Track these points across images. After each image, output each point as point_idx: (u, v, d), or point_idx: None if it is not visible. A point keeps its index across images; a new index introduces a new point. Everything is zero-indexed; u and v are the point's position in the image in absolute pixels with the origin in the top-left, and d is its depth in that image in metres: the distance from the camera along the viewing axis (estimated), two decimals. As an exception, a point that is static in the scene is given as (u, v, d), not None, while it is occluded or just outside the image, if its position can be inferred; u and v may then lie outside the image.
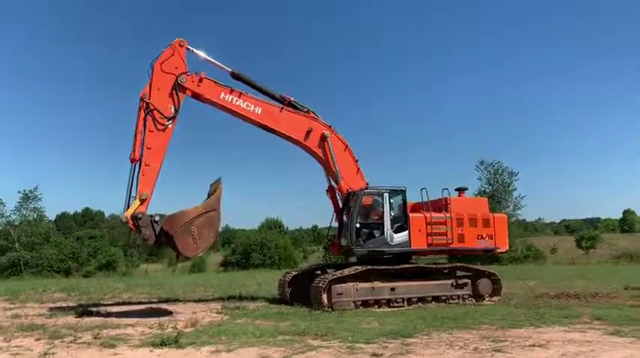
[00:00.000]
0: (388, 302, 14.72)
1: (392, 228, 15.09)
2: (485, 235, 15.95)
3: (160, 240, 12.99)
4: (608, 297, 15.90)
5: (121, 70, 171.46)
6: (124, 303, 17.55)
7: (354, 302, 14.34)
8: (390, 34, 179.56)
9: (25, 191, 50.27)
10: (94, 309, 14.91)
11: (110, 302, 17.74)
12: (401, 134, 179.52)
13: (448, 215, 15.57)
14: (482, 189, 43.29)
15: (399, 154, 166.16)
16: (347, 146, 16.17)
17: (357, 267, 14.62)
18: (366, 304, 14.50)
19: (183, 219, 12.68)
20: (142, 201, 13.09)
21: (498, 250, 16.50)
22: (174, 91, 14.10)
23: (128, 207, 13.14)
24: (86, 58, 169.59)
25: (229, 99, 14.99)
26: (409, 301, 14.93)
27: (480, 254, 18.44)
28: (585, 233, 64.22)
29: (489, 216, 16.34)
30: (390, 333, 10.08)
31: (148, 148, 13.50)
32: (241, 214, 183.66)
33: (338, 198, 16.33)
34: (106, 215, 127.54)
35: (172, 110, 14.02)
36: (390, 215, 15.24)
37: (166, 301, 17.86)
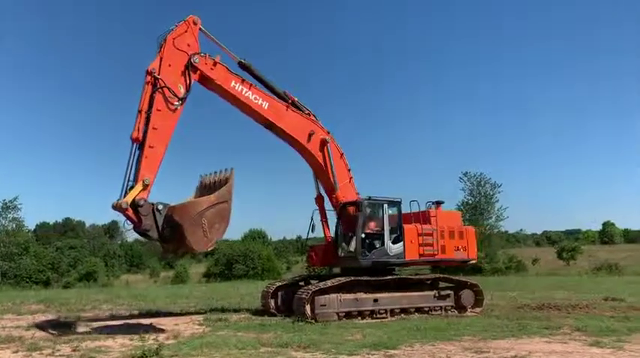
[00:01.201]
0: (371, 314, 14.71)
1: (390, 239, 15.17)
2: (460, 246, 16.21)
3: (163, 232, 11.80)
4: (588, 308, 16.05)
5: (108, 79, 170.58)
6: (104, 315, 17.28)
7: (337, 313, 14.29)
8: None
9: (4, 201, 49.49)
10: (73, 321, 14.67)
11: (90, 314, 17.44)
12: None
13: (434, 227, 15.68)
14: (466, 200, 43.61)
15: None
16: (342, 154, 16.14)
17: (340, 278, 14.61)
18: (349, 315, 14.46)
19: (195, 209, 11.67)
20: (145, 187, 11.79)
21: (471, 261, 16.85)
22: (186, 71, 13.19)
23: (126, 194, 11.76)
24: (77, 65, 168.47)
25: (239, 89, 14.32)
26: (392, 312, 14.93)
27: (456, 265, 18.73)
28: (566, 244, 64.99)
29: (463, 229, 16.69)
30: (373, 345, 10.07)
31: (154, 129, 12.31)
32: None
33: (327, 207, 16.31)
34: (87, 225, 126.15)
35: (182, 91, 13.00)
36: (389, 226, 15.31)
37: (147, 313, 17.64)
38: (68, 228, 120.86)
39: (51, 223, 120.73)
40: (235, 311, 17.21)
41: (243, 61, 14.91)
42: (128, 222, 11.88)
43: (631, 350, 9.29)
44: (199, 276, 51.34)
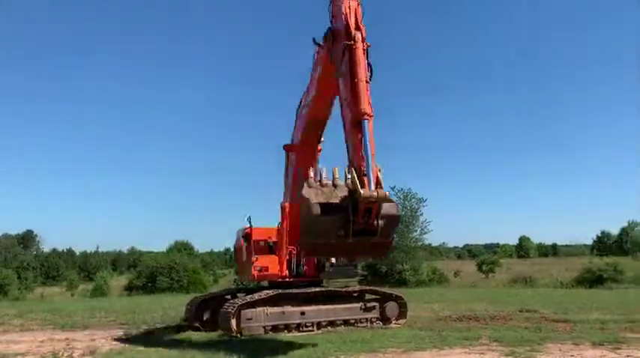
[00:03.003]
0: (298, 327, 14.65)
1: None
2: None
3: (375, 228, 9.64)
4: (505, 319, 16.77)
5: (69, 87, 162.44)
6: (13, 330, 16.19)
7: (263, 327, 14.13)
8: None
9: None
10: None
11: (-2, 330, 16.29)
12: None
13: None
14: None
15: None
16: None
17: (267, 291, 14.49)
18: (275, 329, 14.34)
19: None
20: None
21: None
22: None
23: (361, 183, 9.36)
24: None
25: None
26: (319, 325, 14.94)
27: None
28: (485, 258, 67.68)
29: None
30: (299, 359, 10.04)
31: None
32: (148, 236, 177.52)
33: None
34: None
35: None
36: None
37: (63, 327, 16.73)
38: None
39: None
40: (158, 325, 16.64)
41: None
42: None
43: (543, 359, 9.79)
44: (121, 289, 49.27)
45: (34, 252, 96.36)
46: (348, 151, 10.13)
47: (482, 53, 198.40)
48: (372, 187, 9.21)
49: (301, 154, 14.89)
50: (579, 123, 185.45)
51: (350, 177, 9.54)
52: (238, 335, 13.52)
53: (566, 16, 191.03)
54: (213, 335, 13.71)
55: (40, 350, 11.36)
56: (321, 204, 9.63)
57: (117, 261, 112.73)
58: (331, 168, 10.25)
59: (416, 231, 44.34)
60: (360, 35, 10.51)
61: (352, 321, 15.52)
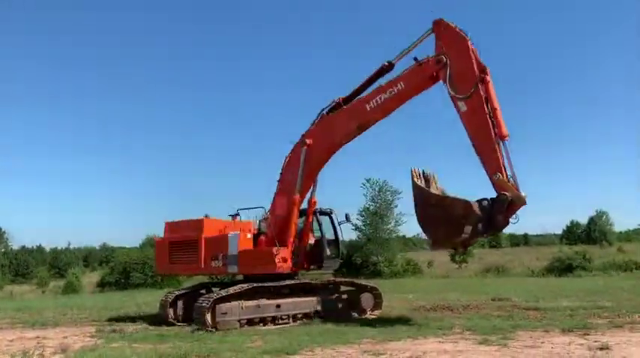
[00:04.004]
0: (273, 320, 14.65)
1: None
2: None
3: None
4: (478, 308, 17.04)
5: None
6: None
7: (239, 321, 14.08)
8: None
9: None
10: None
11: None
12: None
13: None
14: (367, 205, 44.76)
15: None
16: None
17: (242, 285, 14.44)
18: (251, 322, 14.31)
19: None
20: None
21: None
22: None
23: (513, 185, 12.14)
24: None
25: None
26: (294, 317, 14.98)
27: None
28: (458, 248, 68.58)
29: None
30: (274, 351, 10.04)
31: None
32: (121, 232, 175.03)
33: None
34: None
35: None
36: None
37: (33, 325, 16.41)
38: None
39: None
40: (131, 321, 16.45)
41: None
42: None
43: (514, 347, 9.98)
44: (93, 286, 48.55)
45: (3, 249, 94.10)
46: (483, 161, 12.63)
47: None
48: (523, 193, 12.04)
49: (323, 154, 15.37)
50: (545, 113, 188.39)
51: (499, 181, 12.15)
52: (213, 329, 13.46)
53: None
54: (187, 330, 13.59)
55: (10, 350, 11.10)
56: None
57: (89, 258, 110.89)
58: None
59: (390, 222, 44.74)
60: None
61: (327, 313, 15.59)
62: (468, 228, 12.16)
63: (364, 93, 14.79)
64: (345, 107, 14.98)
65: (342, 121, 14.86)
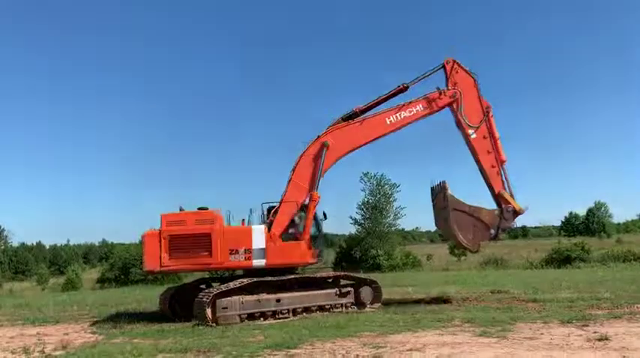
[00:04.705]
0: (274, 314, 14.69)
1: None
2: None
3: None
4: (477, 301, 17.08)
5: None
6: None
7: (239, 315, 14.12)
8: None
9: None
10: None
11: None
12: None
13: None
14: (366, 199, 44.77)
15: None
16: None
17: (242, 280, 14.47)
18: (251, 317, 14.34)
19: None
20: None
21: None
22: None
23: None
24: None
25: None
26: (294, 311, 15.01)
27: None
28: (457, 241, 68.60)
29: None
30: (275, 345, 10.08)
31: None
32: (121, 228, 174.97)
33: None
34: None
35: None
36: None
37: (34, 322, 16.44)
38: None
39: None
40: (131, 316, 16.45)
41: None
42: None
43: (513, 338, 10.03)
44: (93, 282, 48.58)
45: (2, 247, 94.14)
46: (490, 180, 16.47)
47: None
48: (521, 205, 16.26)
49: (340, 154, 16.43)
50: (544, 108, 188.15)
51: (505, 196, 16.24)
52: (214, 324, 13.50)
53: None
54: (187, 325, 13.63)
55: (10, 346, 11.14)
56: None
57: (88, 254, 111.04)
58: None
59: (389, 216, 44.74)
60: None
61: (327, 307, 15.65)
62: (492, 233, 16.08)
63: (382, 107, 16.69)
64: (367, 117, 16.48)
65: (365, 129, 16.36)
